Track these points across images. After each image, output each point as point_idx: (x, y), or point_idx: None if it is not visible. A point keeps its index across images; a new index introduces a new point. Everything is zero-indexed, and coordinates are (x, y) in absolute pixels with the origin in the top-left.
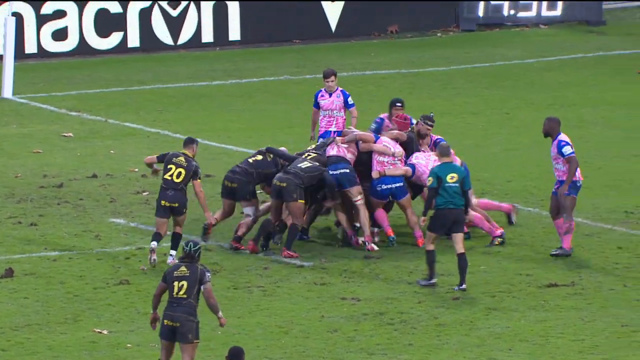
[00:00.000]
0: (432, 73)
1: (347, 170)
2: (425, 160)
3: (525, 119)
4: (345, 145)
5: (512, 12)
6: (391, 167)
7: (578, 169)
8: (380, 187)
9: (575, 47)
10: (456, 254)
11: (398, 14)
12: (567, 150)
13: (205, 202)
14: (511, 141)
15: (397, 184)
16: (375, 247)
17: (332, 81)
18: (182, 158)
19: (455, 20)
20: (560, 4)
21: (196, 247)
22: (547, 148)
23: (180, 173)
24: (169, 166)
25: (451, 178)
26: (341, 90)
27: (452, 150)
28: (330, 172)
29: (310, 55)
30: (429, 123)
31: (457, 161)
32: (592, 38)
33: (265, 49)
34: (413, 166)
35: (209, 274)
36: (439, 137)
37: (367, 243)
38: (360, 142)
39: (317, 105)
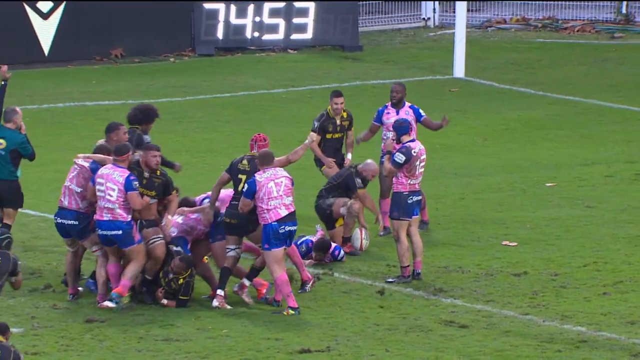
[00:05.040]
0: (165, 104)
1: (76, 223)
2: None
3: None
4: None
5: (256, 34)
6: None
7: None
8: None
9: (329, 76)
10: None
11: (123, 35)
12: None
13: None
14: None
15: (113, 232)
16: (110, 305)
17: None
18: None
19: (190, 44)
20: (311, 26)
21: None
22: (298, 189)
23: None
24: None
25: None
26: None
27: None
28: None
29: (18, 83)
30: None
31: None
32: (347, 65)
33: None
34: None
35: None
36: None
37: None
38: None
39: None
